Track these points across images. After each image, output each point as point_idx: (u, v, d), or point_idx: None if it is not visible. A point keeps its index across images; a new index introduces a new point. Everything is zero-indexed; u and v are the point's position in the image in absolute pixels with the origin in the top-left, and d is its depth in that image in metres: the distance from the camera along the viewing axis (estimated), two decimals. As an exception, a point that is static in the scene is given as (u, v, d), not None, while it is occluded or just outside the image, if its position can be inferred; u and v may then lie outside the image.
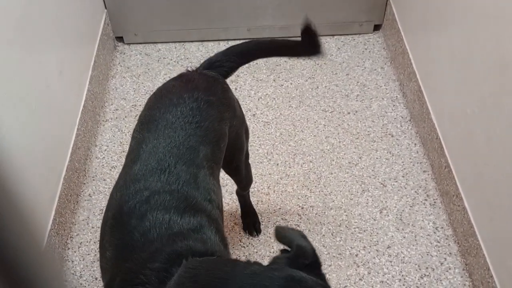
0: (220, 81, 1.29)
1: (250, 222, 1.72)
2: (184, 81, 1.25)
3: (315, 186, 1.85)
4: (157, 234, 0.95)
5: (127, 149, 1.19)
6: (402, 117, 2.08)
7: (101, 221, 1.76)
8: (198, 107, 1.15)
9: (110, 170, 1.92)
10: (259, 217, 1.75)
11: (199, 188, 1.05)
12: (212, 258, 0.90)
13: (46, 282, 0.26)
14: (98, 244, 1.08)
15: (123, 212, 1.01)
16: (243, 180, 1.54)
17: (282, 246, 0.87)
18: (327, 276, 1.64)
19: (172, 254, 0.90)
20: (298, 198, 1.82)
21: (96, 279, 1.62)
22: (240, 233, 1.73)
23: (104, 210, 1.12)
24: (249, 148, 1.95)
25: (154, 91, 1.31)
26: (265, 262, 1.67)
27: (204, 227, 0.99)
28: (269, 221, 1.75)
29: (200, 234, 0.97)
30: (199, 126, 1.12)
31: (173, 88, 1.23)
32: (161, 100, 1.20)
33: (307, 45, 1.33)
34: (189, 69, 1.33)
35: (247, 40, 1.44)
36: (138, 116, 1.25)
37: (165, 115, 1.14)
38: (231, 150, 1.26)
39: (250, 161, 1.54)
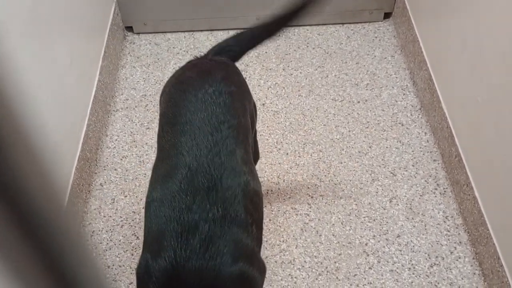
0: (231, 65, 1.29)
1: None
2: (199, 71, 1.22)
3: (325, 176, 1.85)
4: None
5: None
6: (412, 106, 2.07)
7: (112, 210, 1.78)
8: (224, 102, 1.12)
9: (121, 159, 1.94)
10: (269, 206, 1.76)
11: (247, 207, 1.02)
12: None
13: (68, 238, 0.26)
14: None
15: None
16: (255, 157, 1.55)
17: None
18: (336, 265, 1.65)
19: None
20: (308, 188, 1.82)
21: (108, 267, 1.65)
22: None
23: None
24: (259, 137, 1.96)
25: (167, 81, 1.28)
26: (275, 251, 1.68)
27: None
28: (278, 211, 1.76)
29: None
30: (230, 126, 1.09)
31: (192, 81, 1.18)
32: (186, 96, 1.14)
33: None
34: (197, 56, 1.33)
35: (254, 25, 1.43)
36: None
37: (196, 115, 1.09)
38: None
39: (260, 150, 1.55)
